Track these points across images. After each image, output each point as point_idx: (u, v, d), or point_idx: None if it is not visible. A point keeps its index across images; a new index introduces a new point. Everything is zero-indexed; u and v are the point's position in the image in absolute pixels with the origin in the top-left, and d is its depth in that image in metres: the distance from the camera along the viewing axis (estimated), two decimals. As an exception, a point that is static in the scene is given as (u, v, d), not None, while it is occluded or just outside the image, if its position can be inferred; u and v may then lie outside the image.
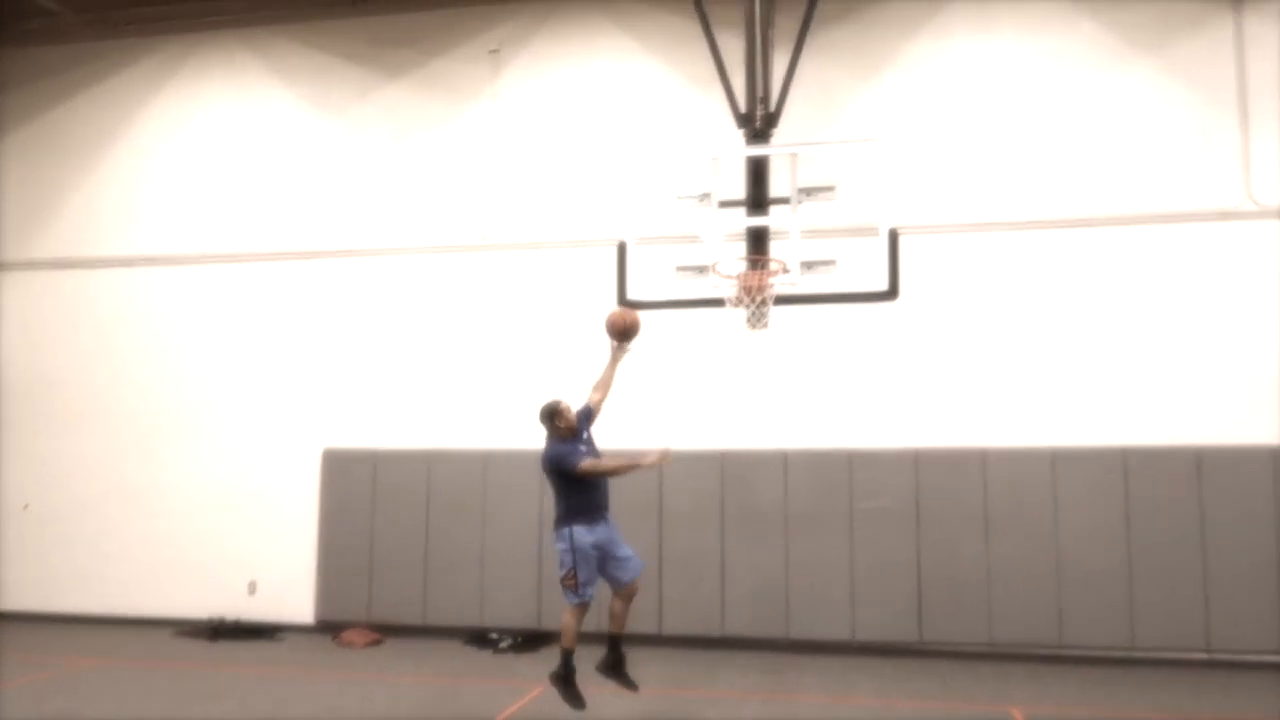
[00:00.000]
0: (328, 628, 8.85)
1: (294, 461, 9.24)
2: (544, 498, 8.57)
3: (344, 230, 9.46)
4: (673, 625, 8.20)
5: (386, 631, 8.67)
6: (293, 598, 9.05)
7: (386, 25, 9.58)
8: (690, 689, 6.84)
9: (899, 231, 6.29)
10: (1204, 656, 7.45)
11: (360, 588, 8.90)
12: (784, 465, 8.28)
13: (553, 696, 5.62)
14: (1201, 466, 7.61)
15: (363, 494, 9.01)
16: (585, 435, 6.05)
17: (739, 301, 6.37)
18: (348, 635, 8.55)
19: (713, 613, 8.24)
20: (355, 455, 9.10)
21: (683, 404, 8.47)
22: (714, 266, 6.40)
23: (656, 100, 8.92)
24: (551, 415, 5.88)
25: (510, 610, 8.56)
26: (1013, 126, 8.30)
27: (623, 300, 6.60)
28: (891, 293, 6.25)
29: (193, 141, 9.91)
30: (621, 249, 6.63)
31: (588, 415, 6.08)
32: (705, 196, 6.47)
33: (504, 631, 8.43)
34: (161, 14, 9.94)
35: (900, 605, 7.94)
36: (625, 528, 8.23)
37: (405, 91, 9.49)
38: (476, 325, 9.09)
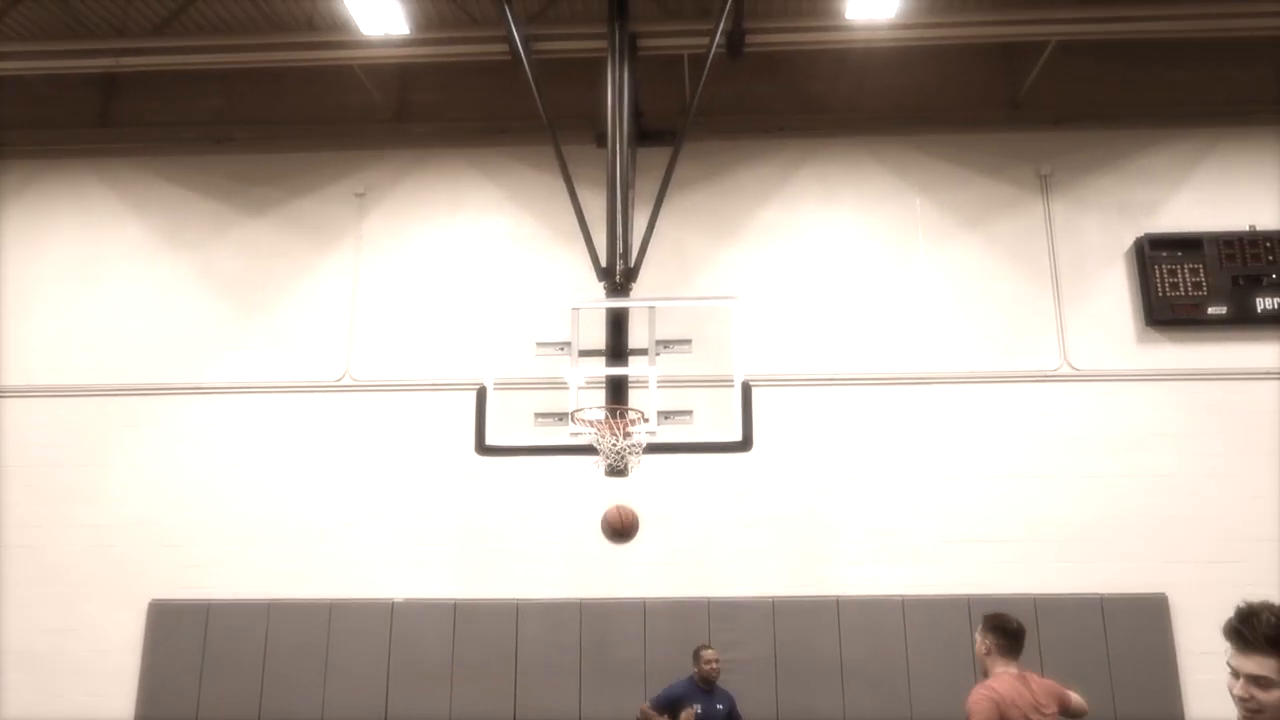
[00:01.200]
0: (140, 803, 7.98)
1: (113, 615, 8.45)
2: (394, 649, 8.19)
3: (189, 365, 9.05)
4: (525, 788, 7.79)
5: (208, 805, 7.89)
6: (100, 771, 8.15)
7: (247, 163, 9.51)
8: None
9: (752, 384, 6.54)
10: (1048, 804, 7.59)
11: (181, 755, 8.11)
12: (643, 614, 8.18)
13: None
14: (1038, 613, 7.95)
15: (192, 648, 8.30)
16: (719, 706, 6.59)
17: (598, 450, 6.42)
18: (162, 811, 7.73)
19: (568, 772, 7.89)
20: (185, 606, 8.43)
21: (540, 552, 8.32)
22: (573, 415, 6.46)
23: (521, 250, 9.11)
24: (695, 654, 6.78)
25: (349, 776, 7.96)
26: (855, 289, 8.86)
27: (481, 446, 6.57)
28: (745, 443, 6.44)
29: (29, 269, 9.40)
30: (481, 394, 6.64)
31: (733, 702, 6.73)
32: (565, 346, 6.60)
33: (341, 801, 7.80)
34: (3, 139, 9.62)
35: (758, 759, 7.82)
36: (478, 683, 8.02)
37: (266, 228, 9.36)
38: (327, 467, 8.74)
